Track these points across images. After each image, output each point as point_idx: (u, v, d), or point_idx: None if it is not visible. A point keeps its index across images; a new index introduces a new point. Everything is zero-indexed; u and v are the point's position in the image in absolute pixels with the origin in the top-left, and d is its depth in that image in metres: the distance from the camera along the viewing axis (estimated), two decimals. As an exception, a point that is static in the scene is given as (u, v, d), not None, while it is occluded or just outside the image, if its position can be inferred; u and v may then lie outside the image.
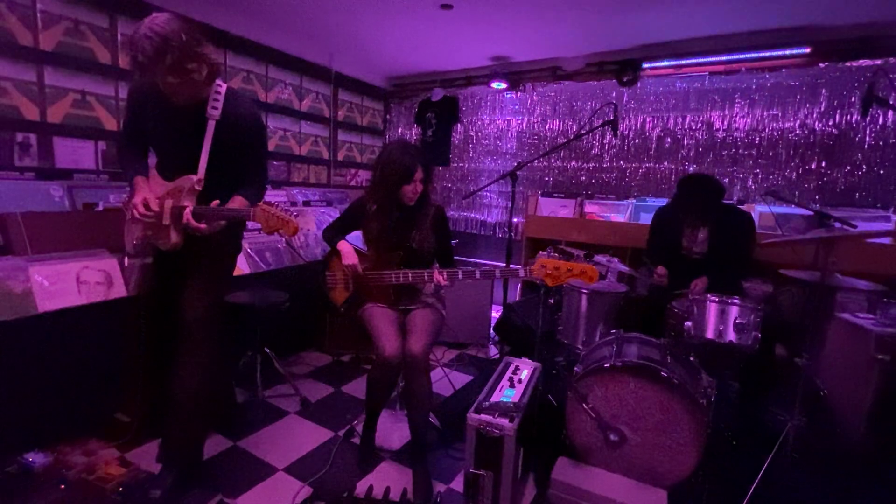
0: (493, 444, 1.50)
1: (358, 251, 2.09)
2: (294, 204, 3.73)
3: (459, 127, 4.57)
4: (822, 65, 3.00)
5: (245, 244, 2.85)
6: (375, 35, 3.47)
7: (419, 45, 3.67)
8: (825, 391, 2.32)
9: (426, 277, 1.89)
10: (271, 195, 3.40)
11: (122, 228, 1.80)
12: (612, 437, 1.82)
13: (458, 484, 1.87)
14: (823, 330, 2.51)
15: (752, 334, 1.87)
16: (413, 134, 4.81)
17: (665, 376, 1.75)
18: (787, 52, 2.97)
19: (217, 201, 1.59)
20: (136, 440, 2.00)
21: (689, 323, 1.99)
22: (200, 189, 1.62)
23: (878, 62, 2.86)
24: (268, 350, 2.56)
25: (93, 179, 2.62)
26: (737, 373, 2.40)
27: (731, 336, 1.88)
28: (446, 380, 2.73)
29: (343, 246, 2.09)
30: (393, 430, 2.22)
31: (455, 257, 2.13)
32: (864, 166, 2.96)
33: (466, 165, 4.57)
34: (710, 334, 1.92)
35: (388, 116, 4.95)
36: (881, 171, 2.92)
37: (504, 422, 1.51)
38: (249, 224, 2.14)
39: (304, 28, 3.38)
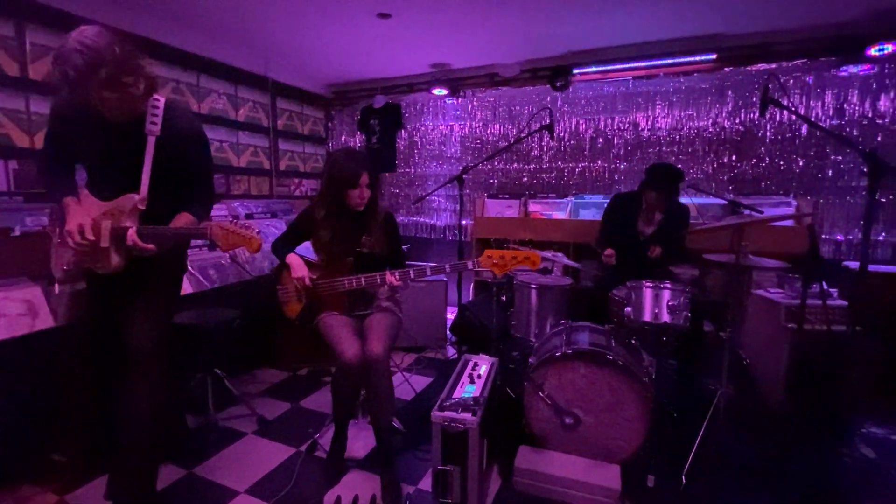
0: (458, 439, 1.55)
1: (308, 262, 2.08)
2: (236, 218, 3.59)
3: (404, 133, 4.61)
4: (727, 69, 3.35)
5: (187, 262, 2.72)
6: (313, 44, 3.43)
7: (359, 53, 3.67)
8: (747, 360, 2.60)
9: (379, 280, 1.91)
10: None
11: (47, 253, 1.68)
12: (567, 420, 1.94)
13: (425, 483, 1.91)
14: (742, 306, 2.82)
15: (684, 314, 2.06)
16: (357, 141, 4.79)
17: (611, 359, 1.89)
18: (697, 58, 3.29)
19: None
20: (75, 481, 1.86)
21: (628, 309, 2.16)
22: (144, 208, 1.55)
23: (773, 66, 3.24)
24: (219, 371, 2.46)
25: (6, 202, 2.39)
26: (673, 350, 2.61)
27: (665, 317, 2.06)
28: (406, 384, 2.75)
29: (292, 259, 2.06)
30: (356, 439, 2.22)
31: (407, 262, 2.16)
32: (767, 158, 3.34)
33: (413, 171, 4.62)
34: (647, 317, 2.10)
35: (330, 124, 4.89)
36: (781, 163, 3.31)
37: (467, 416, 1.57)
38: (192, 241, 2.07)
39: (237, 36, 3.28)
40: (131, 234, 1.47)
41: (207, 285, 2.77)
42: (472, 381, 1.86)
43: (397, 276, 1.89)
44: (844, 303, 2.39)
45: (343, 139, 4.86)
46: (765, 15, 2.85)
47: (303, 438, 2.24)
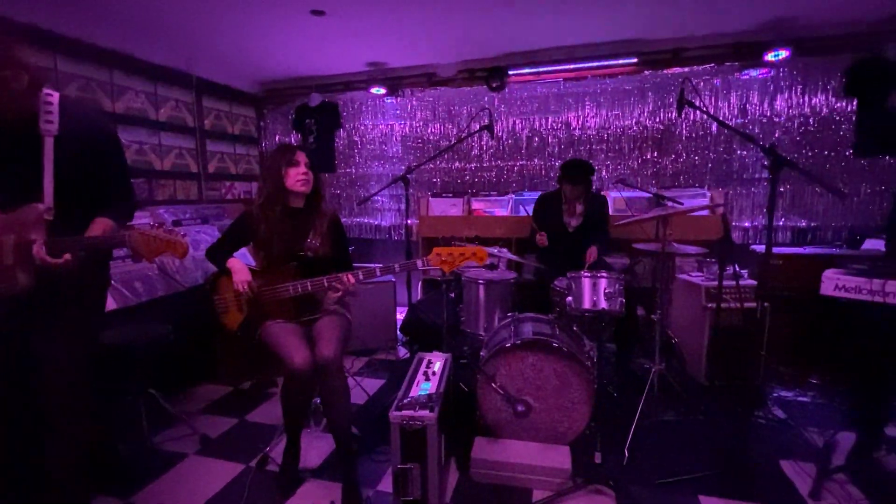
0: (416, 436, 1.56)
1: (250, 268, 1.98)
2: (161, 225, 3.33)
3: (342, 132, 4.51)
4: (647, 72, 3.63)
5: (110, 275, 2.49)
6: (242, 39, 3.26)
7: (292, 50, 3.54)
8: (675, 339, 2.83)
9: (326, 284, 1.87)
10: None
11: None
12: (519, 408, 2.02)
13: (385, 485, 1.90)
14: (669, 290, 3.07)
15: (619, 300, 2.22)
16: (293, 141, 4.62)
17: (556, 346, 1.99)
18: (620, 61, 3.53)
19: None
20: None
21: (569, 298, 2.28)
22: (51, 218, 1.39)
23: (686, 70, 3.55)
24: (153, 391, 2.28)
25: None
26: (611, 335, 2.80)
27: (602, 304, 2.20)
28: (359, 388, 2.71)
29: (233, 263, 1.96)
30: (310, 449, 2.15)
31: (353, 264, 2.13)
32: (684, 154, 3.66)
33: (354, 171, 4.53)
34: (586, 305, 2.23)
35: (262, 123, 4.67)
36: (696, 158, 3.65)
37: (425, 413, 1.59)
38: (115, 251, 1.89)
39: (156, 30, 3.03)
40: (37, 249, 1.30)
41: (134, 300, 2.55)
42: (428, 379, 1.88)
43: (349, 278, 1.85)
44: (754, 282, 2.70)
45: (277, 139, 4.66)
46: (676, 23, 3.12)
47: (252, 454, 2.13)
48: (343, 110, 4.45)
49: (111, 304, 2.44)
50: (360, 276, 1.87)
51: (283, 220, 1.93)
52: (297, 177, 1.90)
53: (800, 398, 2.60)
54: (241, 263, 1.96)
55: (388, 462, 1.93)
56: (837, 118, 3.33)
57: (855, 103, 3.28)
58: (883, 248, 2.81)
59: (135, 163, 3.32)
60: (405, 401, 1.66)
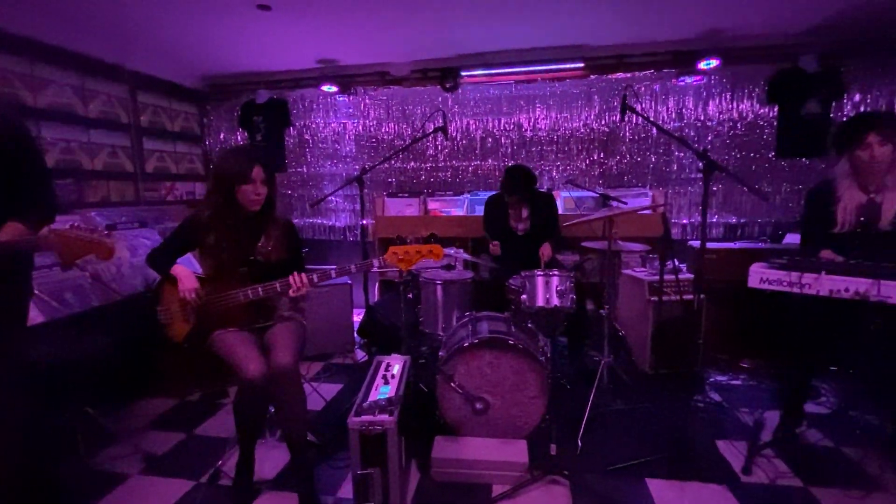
0: (376, 441, 1.56)
1: (197, 276, 1.89)
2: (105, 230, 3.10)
3: (292, 130, 4.37)
4: (592, 77, 3.78)
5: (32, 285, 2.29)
6: (182, 32, 3.08)
7: (237, 44, 3.39)
8: (622, 332, 2.99)
9: (279, 288, 1.81)
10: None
11: None
12: (478, 406, 2.06)
13: (345, 491, 1.88)
14: (616, 285, 3.23)
15: (570, 297, 2.31)
16: (239, 139, 4.43)
17: (512, 343, 2.05)
18: (568, 65, 3.66)
19: None
20: None
21: (524, 296, 2.35)
22: None
23: (629, 75, 3.74)
24: (90, 409, 2.12)
25: None
26: (563, 330, 2.91)
27: (555, 301, 2.29)
28: (316, 394, 2.65)
29: (179, 270, 1.86)
30: (265, 460, 2.09)
31: (307, 266, 2.08)
32: (628, 156, 3.86)
33: (306, 170, 4.41)
34: (540, 302, 2.31)
35: (205, 120, 4.44)
36: (638, 159, 3.85)
37: (384, 417, 1.58)
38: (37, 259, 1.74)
39: (84, 19, 2.80)
40: None
41: (65, 311, 2.35)
42: (387, 382, 1.88)
43: (305, 276, 1.80)
44: (691, 276, 2.89)
45: (222, 137, 4.45)
46: (619, 30, 3.28)
47: (202, 469, 2.04)
48: (293, 108, 4.31)
49: (38, 317, 2.24)
50: (315, 279, 1.83)
51: (234, 228, 1.85)
52: (250, 196, 1.80)
53: (733, 382, 2.83)
54: (187, 270, 1.86)
55: (348, 468, 1.90)
56: (761, 123, 3.63)
57: (776, 109, 3.59)
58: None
59: (60, 162, 3.06)
60: (364, 405, 1.65)
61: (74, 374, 2.04)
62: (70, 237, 1.27)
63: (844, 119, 3.44)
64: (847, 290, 1.67)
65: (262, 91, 4.13)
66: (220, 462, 2.03)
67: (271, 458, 2.10)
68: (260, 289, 1.81)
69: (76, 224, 1.34)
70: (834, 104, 3.47)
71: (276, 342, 1.80)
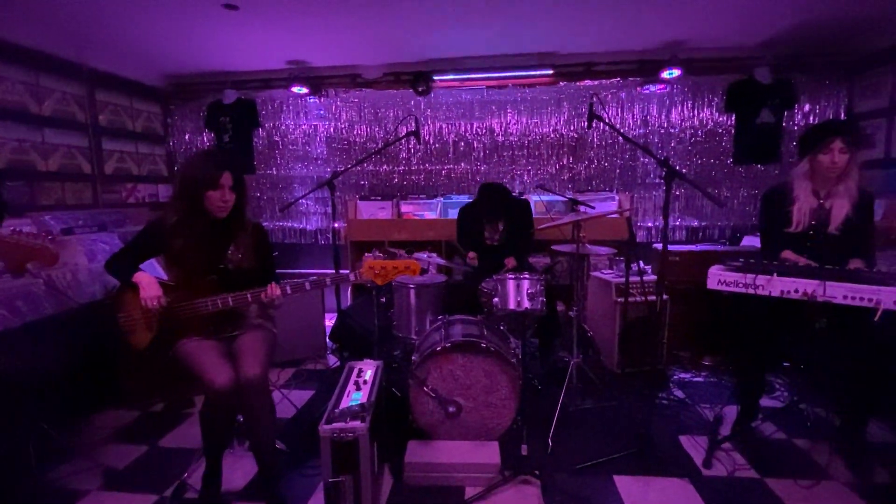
0: (348, 448, 1.55)
1: (161, 282, 1.82)
2: (49, 234, 2.95)
3: (261, 132, 4.28)
4: (562, 84, 3.88)
5: (-21, 294, 2.16)
6: (144, 29, 2.98)
7: (203, 43, 3.31)
8: (591, 332, 3.06)
9: (250, 298, 1.78)
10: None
11: None
12: (450, 409, 2.07)
13: (316, 500, 1.85)
14: (584, 287, 3.31)
15: (540, 299, 2.35)
16: (205, 140, 4.30)
17: (484, 346, 2.08)
18: (538, 72, 3.74)
19: None
20: None
21: (496, 299, 2.38)
22: None
23: (596, 83, 3.84)
24: (44, 424, 2.02)
25: None
26: (534, 331, 2.96)
27: (526, 304, 2.32)
28: (286, 401, 2.61)
29: (141, 277, 1.79)
30: (234, 470, 2.04)
31: (277, 271, 2.04)
32: (596, 161, 3.97)
33: (275, 172, 4.33)
34: (511, 305, 2.34)
35: (169, 120, 4.30)
36: (606, 164, 3.97)
37: (356, 423, 1.57)
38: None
39: (38, 12, 2.67)
40: None
41: (16, 321, 2.23)
42: (359, 388, 1.86)
43: (279, 288, 1.77)
44: (655, 277, 3.00)
45: (188, 137, 4.32)
46: (587, 39, 3.38)
47: (166, 483, 1.97)
48: (262, 108, 4.23)
49: (-15, 328, 2.12)
50: (288, 290, 1.80)
51: (202, 234, 1.79)
52: (216, 202, 1.75)
53: (695, 379, 2.94)
54: (150, 277, 1.80)
55: (319, 476, 1.88)
56: (720, 131, 3.81)
57: (733, 118, 3.77)
58: (758, 244, 3.27)
59: (11, 163, 2.90)
60: (336, 412, 1.64)
61: (27, 386, 1.94)
62: (10, 243, 1.21)
63: (797, 127, 3.65)
64: (796, 290, 1.78)
65: (229, 91, 4.03)
66: (185, 475, 1.97)
67: (240, 469, 2.05)
68: (230, 299, 1.77)
69: (17, 229, 1.28)
70: (786, 114, 3.68)
71: (244, 352, 1.76)
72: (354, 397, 1.79)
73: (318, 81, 3.99)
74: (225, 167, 1.74)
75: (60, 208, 3.20)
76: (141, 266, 1.86)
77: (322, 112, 4.20)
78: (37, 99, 3.05)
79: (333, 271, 2.52)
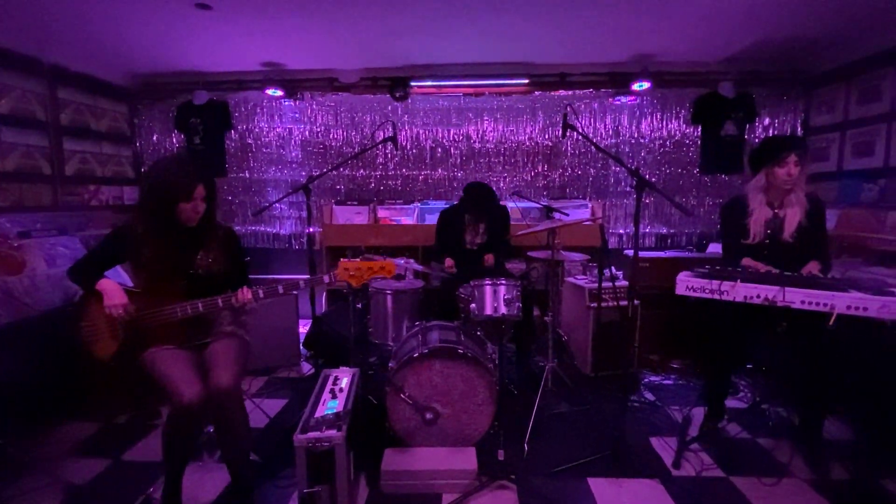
0: (324, 458, 1.53)
1: (127, 289, 1.76)
2: (5, 238, 2.80)
3: (234, 134, 4.19)
4: (537, 93, 3.95)
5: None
6: (111, 25, 2.88)
7: (173, 42, 3.22)
8: (565, 337, 3.13)
9: (221, 304, 1.74)
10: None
11: None
12: (428, 416, 2.07)
13: (290, 511, 1.82)
14: (559, 292, 3.37)
15: (516, 305, 2.39)
16: (174, 141, 4.18)
17: (461, 352, 2.09)
18: (513, 81, 3.80)
19: None
20: None
21: (473, 305, 2.40)
22: None
23: (570, 93, 3.94)
24: (-4, 438, 1.91)
25: None
26: (511, 336, 2.99)
27: (503, 310, 2.35)
28: (258, 410, 2.54)
29: (105, 284, 1.73)
30: (202, 482, 1.97)
31: (249, 276, 2.00)
32: (570, 169, 4.06)
33: (248, 175, 4.24)
34: (488, 311, 2.36)
35: (136, 121, 4.15)
36: (579, 172, 4.06)
37: (332, 433, 1.55)
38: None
39: (-9, 5, 2.54)
40: None
41: (-34, 330, 2.11)
42: (335, 396, 1.84)
43: (251, 292, 1.73)
44: (626, 283, 3.08)
45: (155, 138, 4.18)
46: (560, 50, 3.46)
47: (131, 498, 1.89)
48: (234, 110, 4.13)
49: (-69, 338, 1.99)
50: (261, 294, 1.77)
51: (171, 240, 1.74)
52: (188, 213, 1.71)
53: (665, 381, 3.04)
54: (114, 284, 1.73)
55: (294, 487, 1.84)
56: (687, 142, 3.96)
57: (699, 130, 3.93)
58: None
59: (-37, 162, 2.74)
60: (311, 422, 1.61)
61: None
62: None
63: (760, 139, 3.83)
64: (758, 296, 1.87)
65: (200, 92, 3.92)
66: (150, 489, 1.89)
67: (210, 480, 1.99)
68: (200, 304, 1.72)
69: None
70: (747, 126, 3.86)
71: (216, 361, 1.71)
72: (330, 406, 1.77)
73: (294, 84, 3.93)
74: (198, 179, 1.70)
75: (17, 210, 3.04)
76: (106, 273, 1.79)
77: (297, 115, 4.14)
78: (-8, 96, 2.90)
79: (308, 276, 2.48)
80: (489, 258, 2.92)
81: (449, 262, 2.95)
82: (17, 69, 3.03)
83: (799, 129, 3.79)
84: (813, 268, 2.05)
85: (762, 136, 3.86)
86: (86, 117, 3.63)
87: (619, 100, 3.91)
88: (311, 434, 1.54)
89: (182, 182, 1.67)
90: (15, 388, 2.03)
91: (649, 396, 2.81)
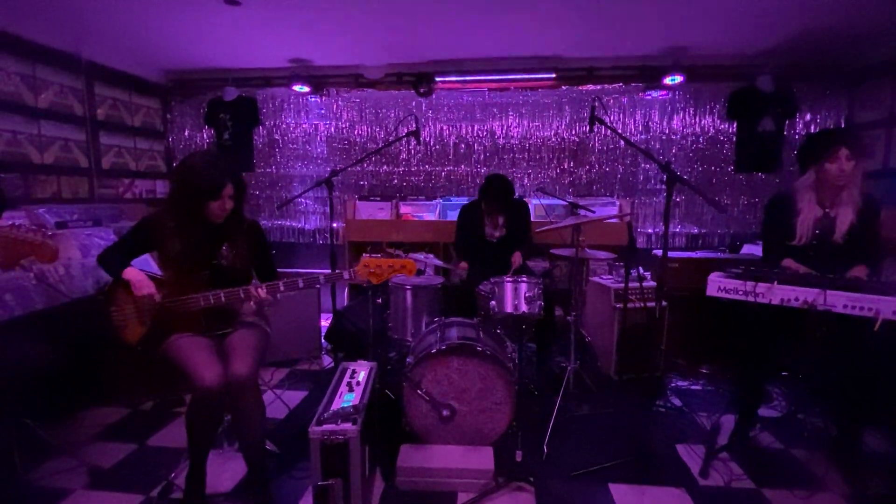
0: (338, 451, 1.52)
1: (153, 277, 1.80)
2: (42, 227, 2.91)
3: (262, 130, 4.26)
4: (564, 87, 3.86)
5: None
6: (145, 23, 2.96)
7: (203, 39, 3.29)
8: (589, 338, 3.04)
9: (242, 295, 1.75)
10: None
11: None
12: (444, 413, 2.04)
13: (305, 503, 1.82)
14: (583, 292, 3.29)
15: (538, 303, 2.33)
16: (205, 136, 4.28)
17: (480, 350, 2.04)
18: (540, 76, 3.72)
19: None
20: None
21: (493, 302, 2.35)
22: None
23: (598, 87, 3.83)
24: (28, 420, 1.98)
25: None
26: (531, 336, 2.93)
27: (524, 308, 2.30)
28: (279, 402, 2.57)
29: (132, 274, 1.77)
30: (222, 471, 2.00)
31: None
32: (597, 165, 3.95)
33: (275, 171, 4.30)
34: (508, 308, 2.31)
35: (168, 116, 4.27)
36: (607, 169, 3.95)
37: (347, 426, 1.54)
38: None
39: (35, 3, 2.65)
40: None
41: (5, 315, 2.19)
42: (351, 390, 1.83)
43: (265, 290, 1.75)
44: (654, 284, 2.97)
45: (187, 133, 4.29)
46: (590, 44, 3.36)
47: (153, 482, 1.93)
48: (262, 106, 4.20)
49: (-27, 321, 2.08)
50: (281, 287, 1.77)
51: (197, 234, 1.77)
52: (216, 211, 1.74)
53: (693, 387, 2.92)
54: (141, 273, 1.77)
55: (309, 479, 1.85)
56: (721, 138, 3.79)
57: (735, 126, 3.76)
58: (757, 252, 3.25)
59: (5, 155, 2.87)
60: (326, 414, 1.61)
61: (13, 382, 1.90)
62: (9, 237, 1.18)
63: (804, 135, 3.64)
64: (797, 299, 1.76)
65: (229, 88, 4.00)
66: (172, 475, 1.93)
67: (229, 470, 2.02)
68: (223, 294, 1.75)
69: (16, 223, 1.25)
70: (787, 123, 3.67)
71: (234, 351, 1.73)
72: (346, 399, 1.76)
73: (320, 81, 3.97)
74: (227, 177, 1.72)
75: (56, 202, 3.17)
76: (134, 262, 1.84)
77: (323, 111, 4.18)
78: (33, 91, 3.02)
79: (329, 271, 2.49)
80: (517, 258, 2.84)
81: (463, 264, 2.91)
82: (56, 65, 3.16)
83: (842, 125, 3.58)
84: (860, 273, 1.92)
85: (802, 133, 3.67)
86: (121, 112, 3.75)
87: (649, 94, 3.78)
88: (327, 427, 1.54)
89: (211, 181, 1.69)
90: (46, 372, 2.11)
91: (676, 402, 2.71)
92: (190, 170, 1.73)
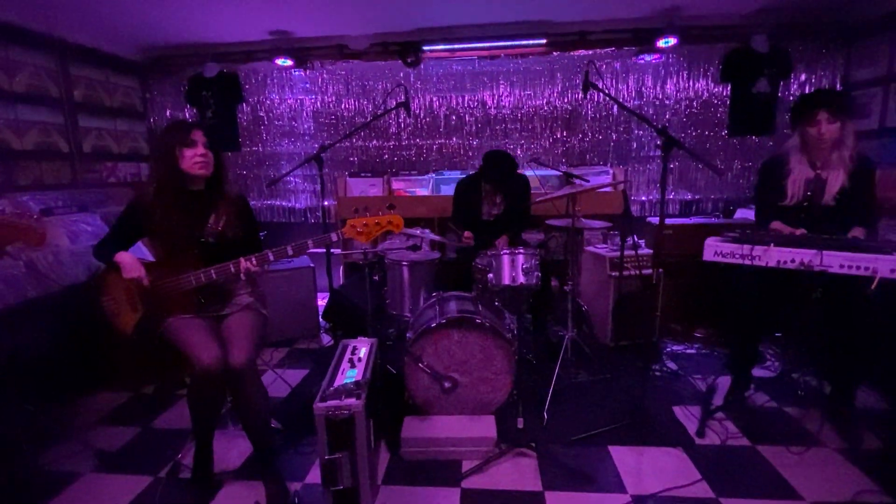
0: (344, 425, 1.53)
1: (144, 262, 1.77)
2: (25, 211, 2.84)
3: (245, 107, 4.14)
4: (555, 53, 3.76)
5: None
6: (116, -3, 2.81)
7: (179, 13, 3.13)
8: (585, 306, 3.06)
9: (232, 269, 1.73)
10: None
11: None
12: (446, 385, 2.07)
13: (313, 477, 1.86)
14: (579, 262, 3.30)
15: (535, 274, 2.33)
16: (187, 116, 4.15)
17: (479, 322, 2.06)
18: (531, 42, 3.61)
19: None
20: None
21: (490, 275, 2.35)
22: None
23: (590, 52, 3.73)
24: (30, 407, 1.98)
25: None
26: (529, 307, 2.95)
27: (521, 279, 2.30)
28: (280, 381, 2.59)
29: (122, 257, 1.74)
30: (229, 449, 2.03)
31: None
32: (590, 134, 3.90)
33: (261, 149, 4.20)
34: (506, 281, 2.32)
35: (148, 95, 4.12)
36: (600, 137, 3.90)
37: (351, 401, 1.55)
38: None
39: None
40: None
41: (-5, 304, 2.17)
42: (354, 366, 1.84)
43: (254, 261, 1.73)
44: (650, 251, 2.98)
45: (168, 113, 4.15)
46: (580, 6, 3.25)
47: (161, 463, 1.96)
48: (245, 82, 4.07)
49: (-36, 312, 2.05)
50: (271, 256, 1.75)
51: (181, 205, 1.74)
52: (193, 158, 1.70)
53: (688, 350, 2.97)
54: (131, 256, 1.75)
55: (315, 454, 1.88)
56: (715, 102, 3.74)
57: (729, 88, 3.70)
58: (751, 217, 3.26)
59: (-16, 141, 2.77)
60: (330, 390, 1.62)
61: (10, 371, 1.89)
62: None
63: (793, 97, 3.60)
64: (793, 260, 1.77)
65: (210, 64, 3.85)
66: (179, 455, 1.96)
67: (236, 448, 2.05)
68: (213, 271, 1.72)
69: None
70: (782, 83, 3.62)
71: (232, 336, 1.72)
72: (349, 375, 1.77)
73: (303, 53, 3.83)
74: (196, 126, 1.74)
75: (38, 188, 3.08)
76: (129, 250, 1.80)
77: (308, 85, 4.05)
78: (7, 73, 2.89)
79: (322, 251, 2.45)
80: (502, 241, 2.79)
81: (468, 234, 2.88)
82: (28, 45, 3.01)
83: (838, 85, 3.54)
84: (858, 234, 1.93)
85: (797, 94, 3.62)
86: (98, 93, 3.61)
87: (642, 58, 3.70)
88: (331, 402, 1.55)
89: (181, 129, 1.71)
90: (44, 359, 2.10)
91: (671, 366, 2.76)
92: (162, 130, 1.75)
